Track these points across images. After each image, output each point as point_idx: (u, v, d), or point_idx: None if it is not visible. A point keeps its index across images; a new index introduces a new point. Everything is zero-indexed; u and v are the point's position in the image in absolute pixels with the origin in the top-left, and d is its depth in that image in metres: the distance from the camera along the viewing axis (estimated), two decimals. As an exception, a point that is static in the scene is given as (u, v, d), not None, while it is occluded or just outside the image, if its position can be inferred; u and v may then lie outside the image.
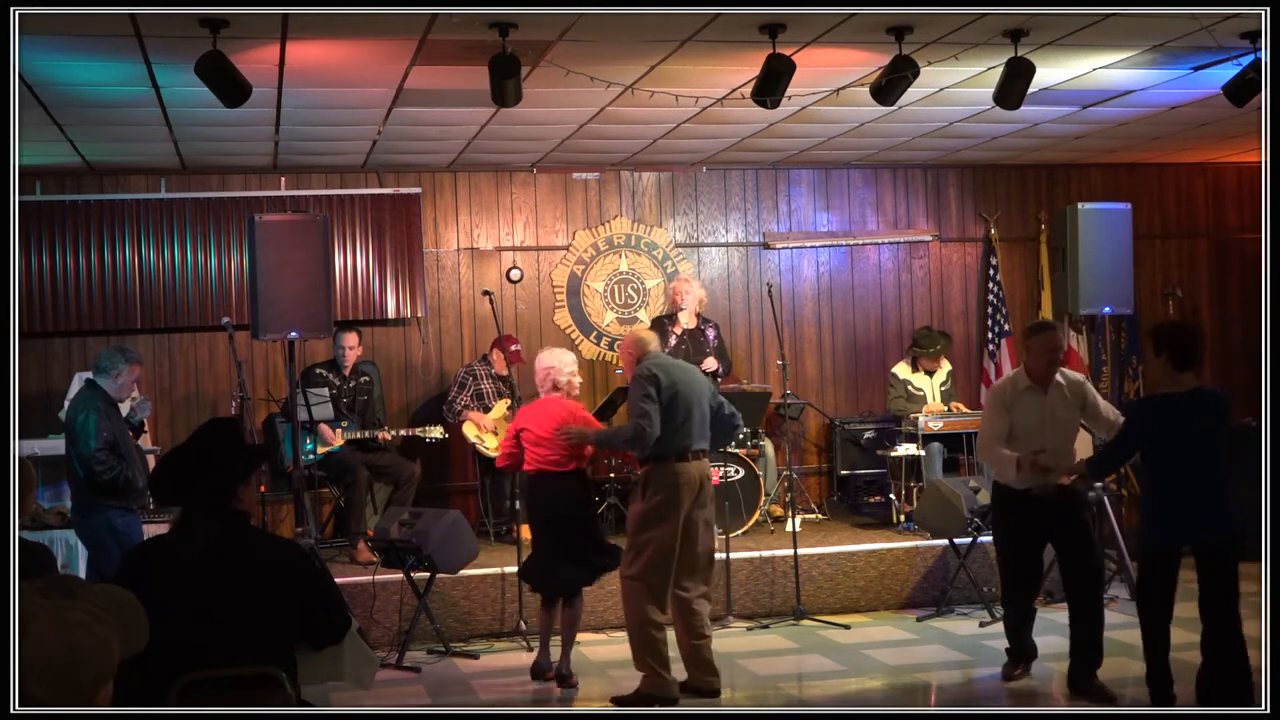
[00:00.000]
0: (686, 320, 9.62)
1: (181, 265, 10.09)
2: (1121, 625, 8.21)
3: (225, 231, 10.10)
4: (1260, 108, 7.24)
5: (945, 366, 10.17)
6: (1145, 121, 9.43)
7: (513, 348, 9.57)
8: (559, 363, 7.33)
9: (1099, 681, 6.68)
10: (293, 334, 8.05)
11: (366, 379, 9.73)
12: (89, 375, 7.48)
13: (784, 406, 9.98)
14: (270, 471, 9.08)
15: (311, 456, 8.97)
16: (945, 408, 9.83)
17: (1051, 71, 7.51)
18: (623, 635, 8.22)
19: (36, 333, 9.84)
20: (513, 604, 8.30)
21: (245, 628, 3.75)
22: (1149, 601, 6.19)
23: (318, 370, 9.56)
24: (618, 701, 6.78)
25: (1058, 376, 6.73)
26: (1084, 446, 10.46)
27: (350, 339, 9.59)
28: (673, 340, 9.53)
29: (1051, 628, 8.22)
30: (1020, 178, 11.56)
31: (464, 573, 8.14)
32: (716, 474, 9.28)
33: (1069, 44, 6.98)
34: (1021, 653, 7.14)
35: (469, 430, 9.69)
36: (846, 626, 8.36)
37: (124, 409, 7.55)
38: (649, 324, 10.25)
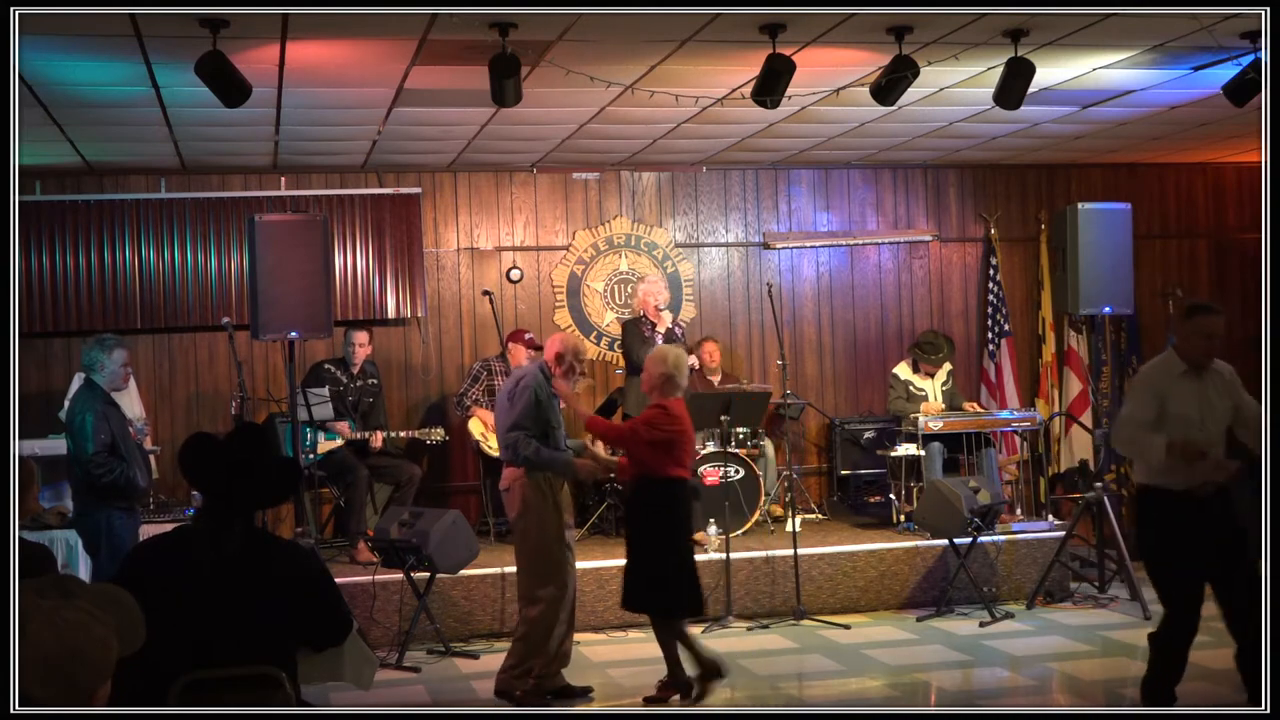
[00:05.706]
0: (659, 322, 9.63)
1: (181, 265, 10.09)
2: (1121, 625, 8.24)
3: (225, 231, 10.11)
4: (1260, 108, 7.24)
5: (946, 367, 10.16)
6: (1145, 121, 9.43)
7: (527, 335, 9.73)
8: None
9: None
10: (293, 334, 8.06)
11: (374, 381, 9.73)
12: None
13: (784, 406, 9.98)
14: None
15: (312, 456, 8.96)
16: (945, 407, 9.82)
17: (1051, 71, 7.51)
18: (623, 635, 8.26)
19: (36, 333, 9.84)
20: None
21: (247, 628, 3.74)
22: None
23: (326, 366, 9.56)
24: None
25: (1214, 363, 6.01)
26: (1082, 447, 10.51)
27: (361, 337, 9.61)
28: (659, 339, 9.46)
29: (1053, 628, 8.24)
30: (1020, 178, 11.56)
31: (464, 573, 8.14)
32: (716, 474, 9.30)
33: (1069, 44, 6.98)
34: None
35: (474, 427, 9.67)
36: (846, 626, 8.36)
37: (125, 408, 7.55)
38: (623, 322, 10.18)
